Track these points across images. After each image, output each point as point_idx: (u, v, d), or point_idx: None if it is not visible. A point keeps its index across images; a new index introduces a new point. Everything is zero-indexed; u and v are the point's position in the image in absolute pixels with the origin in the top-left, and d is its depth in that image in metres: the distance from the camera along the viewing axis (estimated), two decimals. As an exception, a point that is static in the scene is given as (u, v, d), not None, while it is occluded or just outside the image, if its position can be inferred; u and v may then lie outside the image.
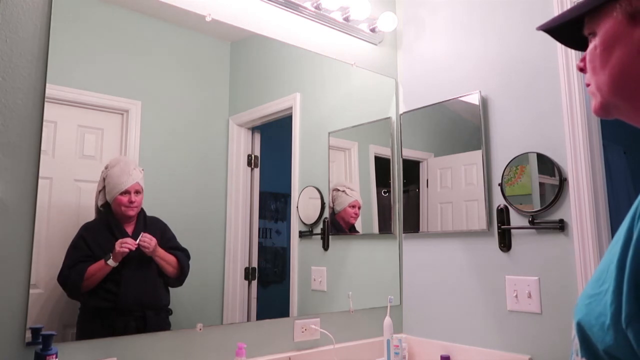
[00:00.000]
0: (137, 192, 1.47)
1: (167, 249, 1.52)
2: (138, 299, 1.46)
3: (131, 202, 1.45)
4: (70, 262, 1.34)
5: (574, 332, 0.63)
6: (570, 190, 1.63)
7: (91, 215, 1.40)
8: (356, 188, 2.10)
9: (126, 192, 1.45)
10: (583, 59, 0.69)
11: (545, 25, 0.74)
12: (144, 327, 1.44)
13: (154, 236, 1.49)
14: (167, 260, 1.51)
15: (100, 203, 1.42)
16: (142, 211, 1.49)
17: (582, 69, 0.70)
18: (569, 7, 1.67)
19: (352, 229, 2.08)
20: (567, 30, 0.72)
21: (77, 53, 1.42)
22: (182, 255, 1.55)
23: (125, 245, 1.42)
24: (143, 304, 1.46)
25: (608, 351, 0.54)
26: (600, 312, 0.55)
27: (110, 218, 1.44)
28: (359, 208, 2.09)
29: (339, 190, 2.02)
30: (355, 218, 2.09)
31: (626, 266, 0.52)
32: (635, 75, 0.61)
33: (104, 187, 1.42)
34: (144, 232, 1.47)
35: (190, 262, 1.57)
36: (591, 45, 0.67)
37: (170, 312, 1.52)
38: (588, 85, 0.69)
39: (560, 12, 1.69)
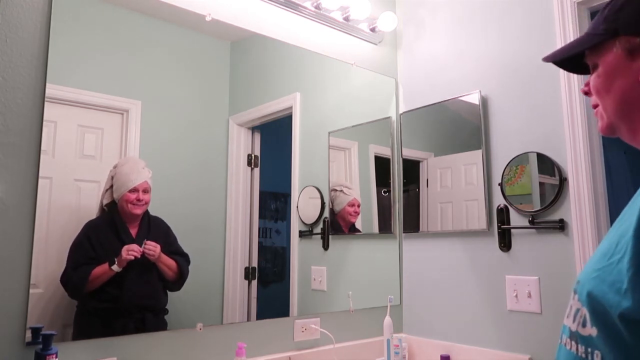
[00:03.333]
0: (145, 190, 1.48)
1: (168, 253, 1.52)
2: (138, 302, 1.46)
3: (139, 200, 1.46)
4: (74, 263, 1.34)
5: (575, 307, 0.66)
6: (570, 190, 1.63)
7: (93, 215, 1.40)
8: (354, 186, 2.10)
9: (135, 189, 1.45)
10: (587, 84, 0.79)
11: (551, 57, 0.85)
12: (143, 328, 1.45)
13: (157, 238, 1.49)
14: (168, 265, 1.51)
15: (105, 202, 1.42)
16: (146, 212, 1.49)
17: (586, 93, 0.79)
18: (569, 8, 1.67)
19: (352, 228, 2.08)
20: (570, 59, 0.83)
21: (77, 53, 1.42)
22: (182, 261, 1.55)
23: (132, 253, 1.43)
24: (143, 307, 1.46)
25: (624, 314, 0.56)
26: (615, 280, 0.59)
27: (116, 217, 1.44)
28: (359, 206, 2.09)
29: (336, 190, 2.02)
30: (355, 216, 2.09)
31: None
32: (634, 101, 0.71)
33: (111, 186, 1.42)
34: (148, 234, 1.47)
35: (191, 261, 1.57)
36: (594, 75, 0.76)
37: (166, 311, 1.52)
38: (595, 106, 0.78)
39: (560, 11, 1.70)
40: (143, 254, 1.45)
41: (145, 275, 1.47)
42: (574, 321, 0.66)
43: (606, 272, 0.61)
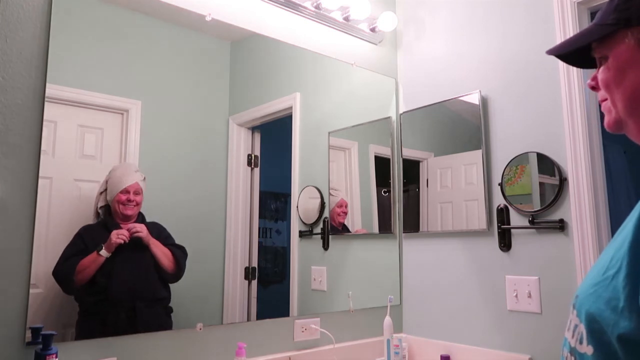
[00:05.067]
0: (137, 192, 1.48)
1: (163, 245, 1.52)
2: (128, 289, 1.45)
3: (129, 200, 1.46)
4: (64, 257, 1.34)
5: (574, 322, 0.65)
6: (570, 190, 1.63)
7: (92, 215, 1.40)
8: (340, 188, 2.09)
9: (126, 191, 1.46)
10: (594, 78, 0.74)
11: (555, 50, 0.80)
12: (135, 318, 1.43)
13: (152, 233, 1.49)
14: (163, 251, 1.51)
15: (100, 205, 1.42)
16: (141, 215, 1.49)
17: (593, 87, 0.75)
18: (569, 8, 1.67)
19: (344, 228, 2.08)
20: (572, 54, 0.78)
21: (77, 53, 1.42)
22: (178, 251, 1.55)
23: (122, 236, 1.43)
24: (133, 295, 1.45)
25: (624, 336, 0.55)
26: (610, 297, 0.57)
27: (108, 219, 1.44)
28: (346, 206, 2.09)
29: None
30: (344, 217, 2.08)
31: None
32: None
33: (105, 189, 1.43)
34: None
35: (191, 261, 1.57)
36: (603, 68, 0.72)
37: (170, 309, 1.52)
38: (602, 101, 0.74)
39: (559, 11, 1.69)
40: (132, 238, 1.44)
41: (136, 262, 1.47)
42: (572, 336, 0.65)
43: (602, 288, 0.60)
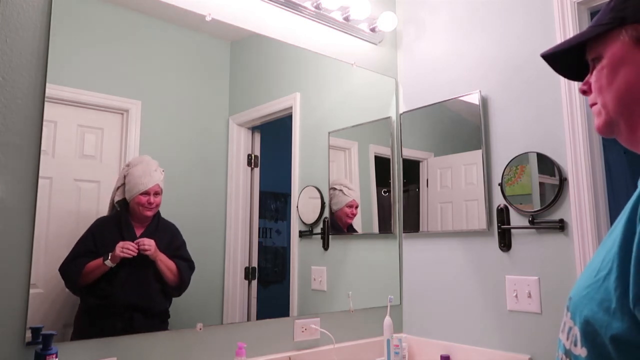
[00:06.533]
0: (157, 193, 1.49)
1: (171, 256, 1.51)
2: (129, 300, 1.44)
3: (150, 203, 1.47)
4: (73, 254, 1.34)
5: (568, 324, 0.66)
6: (570, 190, 1.63)
7: (92, 214, 1.40)
8: (354, 187, 2.10)
9: (146, 193, 1.46)
10: (586, 83, 0.75)
11: (550, 50, 0.80)
12: (131, 328, 1.42)
13: (163, 240, 1.49)
14: (167, 265, 1.51)
15: (117, 199, 1.42)
16: (157, 213, 1.49)
17: (585, 92, 0.75)
18: (569, 8, 1.67)
19: (350, 229, 2.08)
20: (566, 59, 0.79)
21: (77, 53, 1.42)
22: (184, 265, 1.54)
23: (127, 250, 1.42)
24: (133, 306, 1.44)
25: (617, 337, 0.55)
26: (603, 298, 0.58)
27: (124, 216, 1.44)
28: (357, 207, 2.09)
29: (335, 189, 2.01)
30: (352, 218, 2.08)
31: (632, 250, 0.55)
32: (638, 93, 0.67)
33: (123, 184, 1.43)
34: (154, 236, 1.47)
35: (195, 268, 1.56)
36: (598, 67, 0.72)
37: (167, 315, 1.51)
38: (593, 105, 0.74)
39: (559, 11, 1.69)
40: (139, 253, 1.44)
41: (140, 274, 1.46)
42: (567, 339, 0.65)
43: (594, 290, 0.60)
